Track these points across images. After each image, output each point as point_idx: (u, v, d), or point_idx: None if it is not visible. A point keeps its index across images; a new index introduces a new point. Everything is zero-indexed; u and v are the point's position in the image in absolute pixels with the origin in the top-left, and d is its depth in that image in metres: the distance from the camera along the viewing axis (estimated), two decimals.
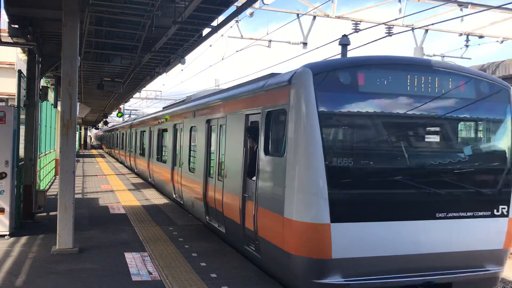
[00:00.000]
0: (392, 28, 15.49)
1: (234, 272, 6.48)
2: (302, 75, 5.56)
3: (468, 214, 5.88)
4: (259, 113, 6.61)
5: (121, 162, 29.63)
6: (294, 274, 5.58)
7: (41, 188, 13.21)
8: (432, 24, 13.49)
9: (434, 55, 17.77)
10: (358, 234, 5.40)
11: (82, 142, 57.65)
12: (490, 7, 14.71)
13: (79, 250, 7.17)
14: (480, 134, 6.52)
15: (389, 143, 5.97)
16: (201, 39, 10.50)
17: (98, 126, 65.96)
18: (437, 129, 6.28)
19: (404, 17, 15.58)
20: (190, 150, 10.87)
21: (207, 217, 9.19)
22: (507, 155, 6.17)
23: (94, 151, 53.04)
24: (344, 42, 7.19)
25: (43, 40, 10.33)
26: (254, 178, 6.57)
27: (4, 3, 8.60)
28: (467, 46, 17.73)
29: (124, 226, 9.32)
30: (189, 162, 10.78)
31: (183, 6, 8.57)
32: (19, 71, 9.38)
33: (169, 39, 10.35)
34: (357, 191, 5.50)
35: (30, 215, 9.59)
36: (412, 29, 16.11)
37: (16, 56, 28.71)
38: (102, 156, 40.37)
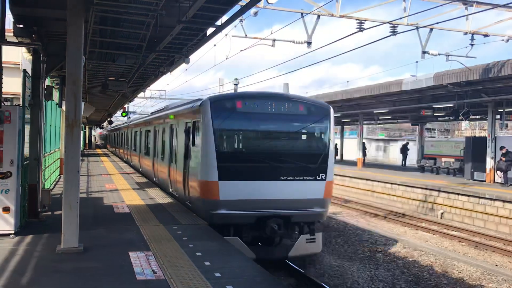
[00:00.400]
0: (397, 27, 15.45)
1: (238, 271, 6.48)
2: (205, 103, 10.09)
3: (301, 178, 10.15)
4: (190, 121, 11.05)
5: (120, 158, 33.55)
6: (203, 209, 9.97)
7: (46, 187, 13.25)
8: (437, 23, 13.48)
9: (439, 54, 17.68)
10: (233, 187, 9.70)
11: (87, 142, 57.79)
12: (496, 6, 14.64)
13: (84, 249, 7.18)
14: (310, 135, 11.01)
15: (253, 139, 10.67)
16: (205, 39, 10.49)
17: (103, 125, 66.03)
18: (284, 131, 10.71)
19: (408, 16, 15.54)
20: (161, 144, 15.20)
21: (170, 189, 13.42)
22: (325, 146, 10.56)
23: (98, 150, 53.19)
24: (235, 83, 12.76)
25: (48, 40, 10.36)
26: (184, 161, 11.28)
27: (9, 3, 8.64)
28: (472, 45, 17.64)
29: (128, 225, 9.34)
30: (161, 153, 15.10)
31: (187, 6, 8.56)
32: (24, 71, 9.41)
33: (173, 39, 10.35)
34: (233, 165, 9.85)
35: (35, 214, 9.62)
36: (417, 28, 16.05)
37: (21, 56, 28.83)
38: (106, 155, 40.47)
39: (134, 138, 23.65)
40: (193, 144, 10.61)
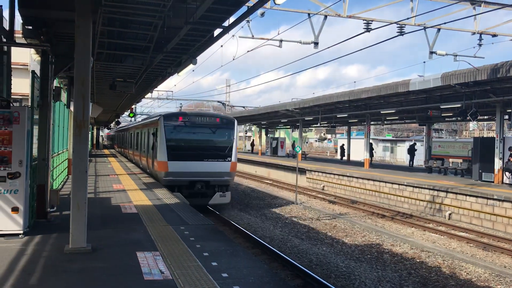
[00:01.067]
0: (404, 27, 15.40)
1: (246, 272, 6.49)
2: (160, 118, 17.29)
3: (216, 160, 17.04)
4: (153, 128, 18.15)
5: (121, 154, 40.94)
6: (160, 177, 17.05)
7: (54, 187, 13.34)
8: (445, 23, 13.42)
9: (447, 55, 17.61)
10: (176, 164, 16.57)
11: (95, 142, 58.03)
12: (504, 6, 14.55)
13: (92, 249, 7.23)
14: (222, 135, 17.63)
15: (187, 137, 17.25)
16: (213, 39, 10.52)
17: (110, 126, 66.31)
18: (206, 133, 17.41)
19: (416, 16, 15.49)
20: (144, 143, 21.61)
21: (148, 170, 20.30)
22: (231, 142, 17.32)
23: (106, 151, 53.41)
24: (180, 106, 32.73)
25: (56, 41, 10.43)
26: (152, 151, 18.55)
27: (18, 5, 8.70)
28: (480, 45, 17.55)
29: (136, 226, 9.38)
30: (144, 148, 21.88)
31: (195, 7, 8.59)
32: (33, 72, 9.48)
33: (180, 40, 10.38)
34: (176, 152, 16.71)
35: (43, 214, 9.68)
36: (424, 28, 16.00)
37: (29, 57, 29.02)
38: (114, 155, 40.62)
39: (128, 138, 32.42)
40: (155, 141, 17.84)
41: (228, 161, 17.22)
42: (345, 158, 38.89)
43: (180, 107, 37.82)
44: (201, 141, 17.46)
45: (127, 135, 33.81)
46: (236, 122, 18.08)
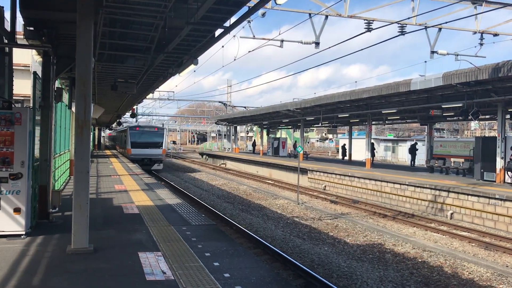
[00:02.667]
0: (405, 27, 15.39)
1: (248, 272, 6.50)
2: (127, 128, 37.76)
3: (154, 148, 35.92)
4: (125, 134, 38.64)
5: (115, 149, 56.46)
6: (127, 156, 35.63)
7: (56, 188, 13.36)
8: (446, 22, 13.40)
9: (448, 54, 17.59)
10: (135, 150, 34.82)
11: (96, 143, 58.11)
12: (505, 5, 14.55)
13: (94, 249, 7.24)
14: (158, 137, 36.72)
15: (140, 138, 35.49)
16: (214, 40, 10.53)
17: (112, 127, 66.52)
18: (150, 135, 36.11)
19: (417, 15, 15.48)
20: (122, 140, 40.21)
21: (124, 154, 38.10)
22: (162, 139, 36.28)
23: (107, 152, 53.49)
24: (139, 119, 57.53)
25: (58, 42, 10.45)
26: (125, 144, 37.51)
27: (19, 6, 8.72)
28: (481, 44, 17.54)
29: (137, 226, 9.40)
30: (122, 143, 40.38)
31: (196, 7, 8.61)
32: (35, 73, 9.50)
33: (182, 40, 10.40)
34: (135, 144, 35.19)
35: (45, 215, 9.70)
36: (425, 27, 15.99)
37: (31, 58, 29.04)
38: (115, 156, 40.69)
39: (116, 138, 55.70)
40: (126, 140, 35.95)
41: (160, 149, 35.72)
42: (346, 158, 38.86)
43: (138, 120, 56.89)
44: (146, 139, 35.47)
45: (116, 136, 57.94)
46: (165, 128, 39.39)
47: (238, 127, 60.05)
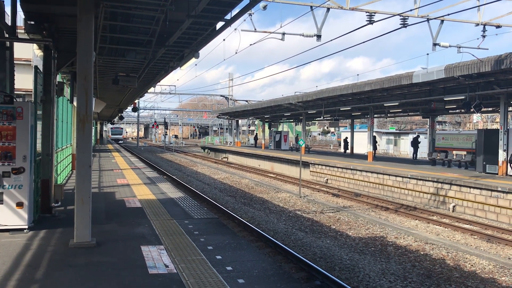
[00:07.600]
0: (407, 19, 15.31)
1: (250, 265, 6.51)
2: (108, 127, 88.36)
3: (119, 135, 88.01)
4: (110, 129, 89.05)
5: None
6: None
7: (58, 182, 13.38)
8: (448, 14, 13.31)
9: (450, 46, 17.52)
10: (112, 136, 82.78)
11: (98, 137, 58.22)
12: None
13: (96, 243, 7.26)
14: (121, 132, 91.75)
15: (114, 132, 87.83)
16: (215, 33, 10.49)
17: (114, 121, 67.07)
18: (119, 130, 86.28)
19: (419, 7, 15.39)
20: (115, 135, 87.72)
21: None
22: (122, 133, 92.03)
23: (110, 146, 53.56)
24: (122, 123, 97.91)
25: (58, 36, 10.43)
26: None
27: (20, 0, 8.69)
28: (484, 36, 17.45)
29: (140, 220, 9.41)
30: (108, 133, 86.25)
31: (196, 0, 8.57)
32: (36, 67, 9.48)
33: (183, 33, 10.36)
34: (112, 134, 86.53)
35: (47, 209, 9.73)
36: (428, 20, 15.91)
37: (32, 53, 29.00)
38: (118, 150, 40.73)
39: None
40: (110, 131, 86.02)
41: (121, 135, 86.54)
42: (348, 151, 38.85)
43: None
44: (116, 133, 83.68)
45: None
46: (123, 127, 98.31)
47: (240, 121, 60.02)
